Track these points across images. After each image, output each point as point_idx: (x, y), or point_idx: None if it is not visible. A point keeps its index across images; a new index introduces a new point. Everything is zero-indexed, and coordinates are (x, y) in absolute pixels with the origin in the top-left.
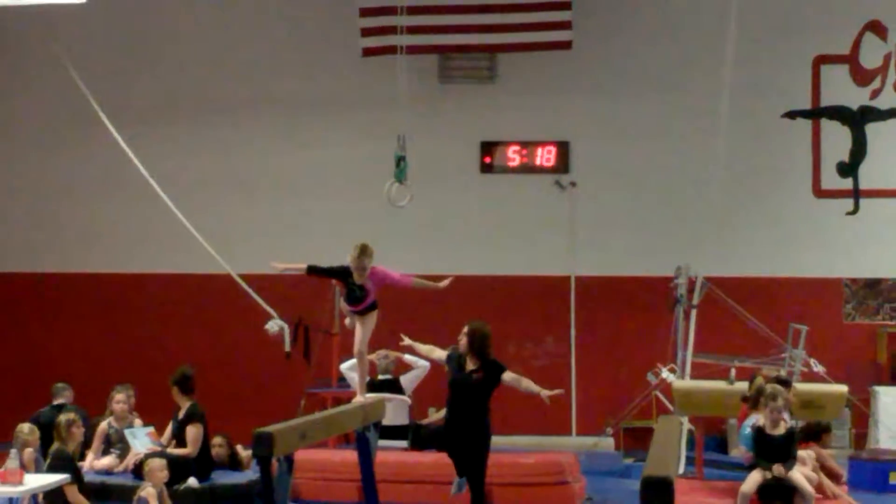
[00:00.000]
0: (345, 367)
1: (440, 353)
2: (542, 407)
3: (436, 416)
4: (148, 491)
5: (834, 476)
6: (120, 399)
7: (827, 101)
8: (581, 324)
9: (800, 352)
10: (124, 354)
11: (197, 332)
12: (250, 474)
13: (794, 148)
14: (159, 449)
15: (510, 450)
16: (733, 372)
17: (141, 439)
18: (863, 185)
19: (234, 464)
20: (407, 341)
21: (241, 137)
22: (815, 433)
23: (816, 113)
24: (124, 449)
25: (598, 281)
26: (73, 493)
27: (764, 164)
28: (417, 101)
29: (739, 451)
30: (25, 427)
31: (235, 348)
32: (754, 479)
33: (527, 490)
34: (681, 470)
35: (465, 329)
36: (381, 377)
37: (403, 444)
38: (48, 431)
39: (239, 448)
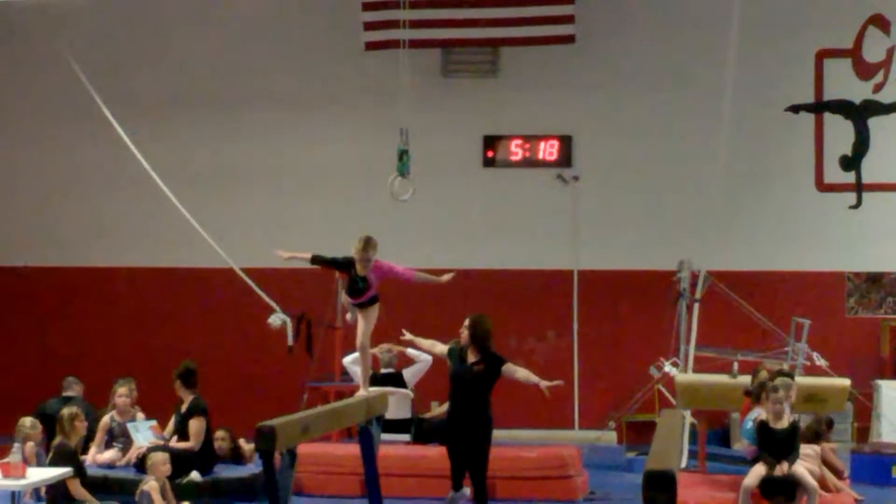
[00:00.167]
0: (347, 360)
1: (441, 348)
2: (545, 401)
3: (438, 410)
4: (150, 484)
5: (835, 471)
6: (122, 393)
7: (830, 95)
8: (583, 318)
9: (802, 345)
10: (127, 348)
11: (200, 326)
12: (253, 468)
13: (796, 142)
14: (162, 443)
15: (513, 443)
16: (736, 366)
17: (143, 433)
18: (865, 179)
19: (237, 457)
20: (408, 336)
21: (244, 132)
22: (819, 433)
23: (819, 107)
24: (127, 443)
25: (601, 275)
26: (75, 486)
27: (767, 158)
28: (420, 95)
29: (742, 444)
30: (27, 421)
31: (238, 342)
32: (757, 472)
33: (529, 484)
34: (683, 464)
35: (467, 322)
36: (383, 371)
37: (406, 437)
38: (54, 422)
39: (241, 442)
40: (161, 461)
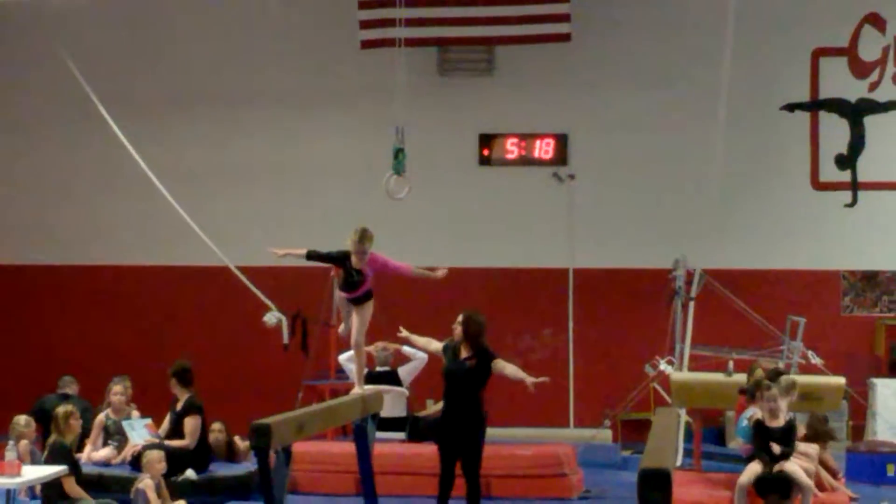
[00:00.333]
0: (343, 358)
1: (437, 345)
2: (541, 399)
3: (433, 408)
4: (146, 482)
5: (830, 471)
6: (118, 391)
7: (825, 93)
8: (579, 316)
9: (798, 344)
10: (122, 346)
11: (195, 324)
12: (248, 466)
13: (792, 140)
14: (157, 441)
15: (508, 441)
16: (731, 364)
17: (139, 431)
18: (861, 178)
19: (231, 452)
20: (404, 333)
21: (240, 130)
22: (819, 433)
23: (815, 105)
24: (122, 441)
25: (597, 273)
26: (70, 484)
27: (762, 157)
28: (416, 93)
29: (737, 443)
30: (22, 419)
31: (233, 340)
32: (752, 470)
33: (525, 482)
34: (678, 462)
35: (460, 318)
36: (379, 369)
37: (401, 435)
38: (51, 419)
39: (237, 439)
40: (156, 459)
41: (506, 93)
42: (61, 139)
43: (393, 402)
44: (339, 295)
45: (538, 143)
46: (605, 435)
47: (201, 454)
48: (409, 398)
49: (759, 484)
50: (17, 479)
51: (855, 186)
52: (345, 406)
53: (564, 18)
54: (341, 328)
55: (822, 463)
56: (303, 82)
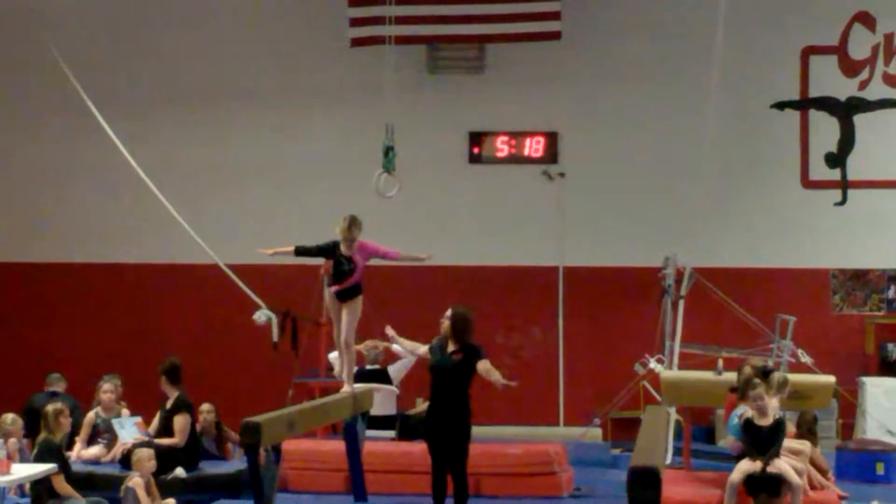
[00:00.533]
0: (333, 356)
1: (423, 349)
2: (531, 397)
3: (423, 406)
4: (135, 480)
5: (820, 470)
6: (107, 389)
7: (815, 91)
8: (569, 314)
9: (787, 342)
10: (112, 344)
11: (185, 322)
12: (238, 464)
13: (782, 139)
14: (147, 439)
15: (498, 440)
16: (721, 362)
17: (128, 429)
18: (851, 176)
19: (220, 435)
20: (391, 333)
21: (230, 128)
22: (813, 431)
23: (805, 104)
24: (112, 439)
25: (586, 271)
26: (60, 482)
27: (752, 155)
28: (406, 91)
29: (727, 441)
30: (8, 417)
31: (223, 338)
32: (742, 468)
33: (515, 480)
34: (668, 460)
35: (448, 313)
36: (369, 367)
37: (391, 434)
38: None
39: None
40: (146, 457)
41: (496, 91)
42: (53, 138)
43: (383, 401)
44: (329, 296)
45: (528, 141)
46: (595, 433)
47: (191, 452)
48: (399, 397)
49: (750, 482)
50: (7, 478)
51: (845, 185)
52: (335, 404)
53: (555, 17)
54: (335, 333)
55: (813, 461)
56: (293, 80)
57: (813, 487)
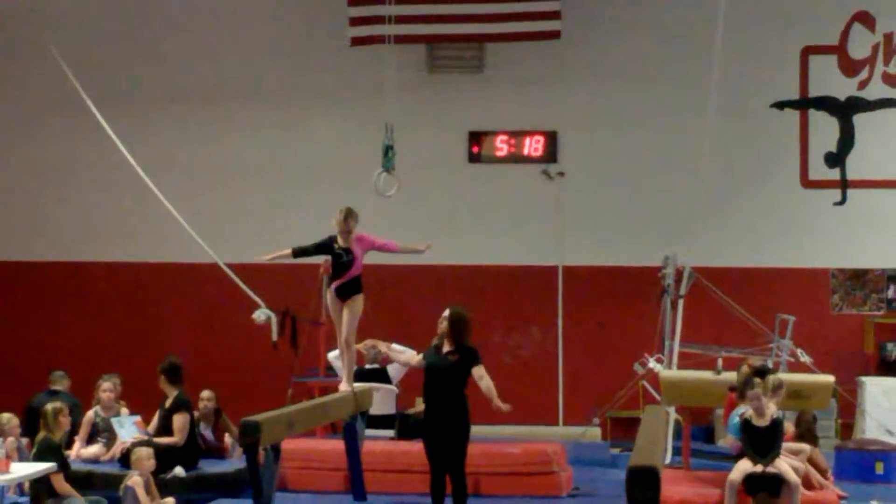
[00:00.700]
0: (332, 356)
1: (418, 358)
2: (530, 396)
3: (423, 406)
4: (134, 479)
5: (820, 470)
6: (107, 388)
7: (815, 91)
8: (568, 313)
9: (787, 342)
10: (111, 343)
11: (184, 321)
12: (237, 463)
13: (781, 138)
14: (146, 438)
15: (497, 439)
16: (720, 362)
17: (128, 428)
18: (850, 176)
19: (218, 424)
20: (383, 348)
21: (230, 127)
22: (813, 434)
23: (804, 103)
24: (111, 438)
25: (586, 270)
26: (59, 481)
27: (752, 155)
28: (405, 90)
29: (727, 440)
30: (4, 416)
31: (223, 338)
32: (741, 468)
33: (514, 479)
34: (667, 460)
35: (446, 313)
36: (368, 367)
37: (390, 433)
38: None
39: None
40: (145, 456)
41: (495, 90)
42: (53, 136)
43: (382, 400)
44: (330, 297)
45: (528, 140)
46: (594, 432)
47: (190, 451)
48: (399, 396)
49: (749, 482)
50: (6, 476)
51: (844, 184)
52: (334, 403)
53: (554, 16)
54: (338, 333)
55: (812, 461)
56: (293, 79)
57: (812, 487)
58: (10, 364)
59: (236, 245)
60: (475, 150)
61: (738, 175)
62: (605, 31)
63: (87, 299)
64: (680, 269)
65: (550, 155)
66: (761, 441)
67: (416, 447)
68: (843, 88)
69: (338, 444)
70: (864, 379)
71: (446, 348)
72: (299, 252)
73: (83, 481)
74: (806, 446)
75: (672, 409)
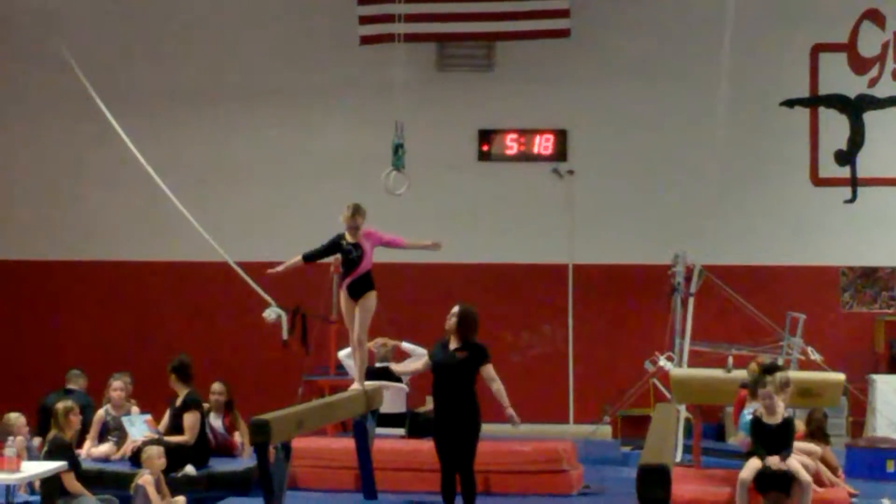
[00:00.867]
0: (343, 354)
1: (425, 360)
2: (540, 394)
3: (432, 404)
4: (145, 478)
5: (831, 468)
6: (117, 387)
7: (825, 89)
8: (579, 311)
9: (797, 340)
10: (122, 342)
11: (195, 319)
12: (248, 462)
13: (792, 136)
14: (156, 436)
15: (507, 437)
16: (731, 360)
17: (138, 427)
18: (860, 174)
19: (228, 415)
20: (396, 368)
21: (239, 126)
22: (825, 432)
23: (814, 101)
24: (121, 436)
25: (596, 269)
26: (70, 480)
27: (762, 152)
28: (415, 89)
29: (738, 437)
30: (13, 415)
31: (233, 336)
32: (752, 466)
33: (524, 477)
34: (678, 458)
35: (455, 310)
36: (378, 365)
37: (401, 431)
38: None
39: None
40: (156, 455)
41: (505, 88)
42: (62, 136)
43: (392, 399)
44: (343, 297)
45: (538, 138)
46: (604, 431)
47: (201, 450)
48: (409, 394)
49: (760, 480)
50: (17, 475)
51: (854, 182)
52: (344, 402)
53: (564, 14)
54: (350, 332)
55: (823, 459)
56: (302, 78)
57: (823, 485)
58: (23, 363)
59: (246, 244)
60: (485, 148)
61: (748, 173)
62: (614, 30)
63: (97, 298)
64: (690, 267)
65: (560, 153)
66: (773, 439)
67: (426, 445)
68: (853, 86)
69: (348, 443)
70: (875, 377)
71: (454, 345)
72: (309, 257)
73: (94, 480)
74: (817, 448)
75: (683, 408)
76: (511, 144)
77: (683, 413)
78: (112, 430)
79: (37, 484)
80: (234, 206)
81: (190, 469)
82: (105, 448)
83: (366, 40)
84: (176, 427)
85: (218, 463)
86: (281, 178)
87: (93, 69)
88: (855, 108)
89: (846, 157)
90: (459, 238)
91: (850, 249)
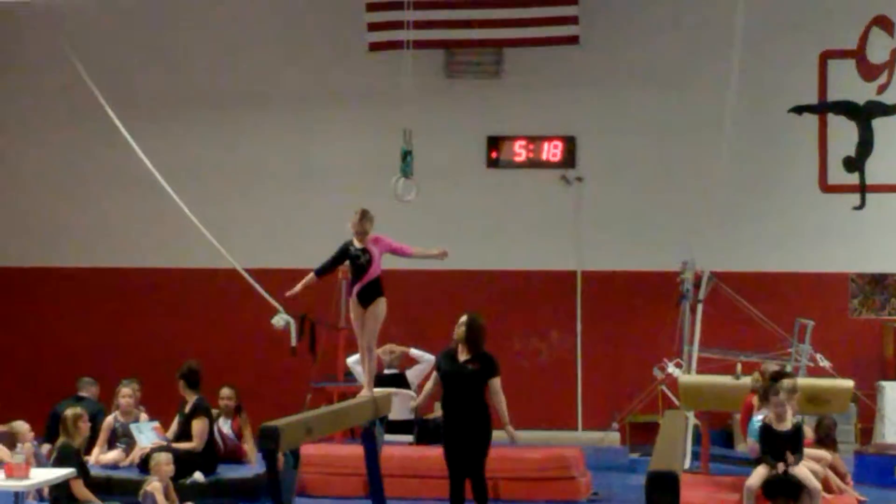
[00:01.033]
0: (351, 361)
1: (435, 376)
2: (549, 401)
3: (441, 411)
4: (154, 485)
5: (839, 474)
6: (126, 393)
7: (833, 96)
8: (587, 318)
9: (806, 347)
10: (130, 349)
11: (203, 326)
12: (256, 468)
13: (800, 143)
14: (165, 443)
15: (516, 444)
16: (739, 367)
17: (146, 433)
18: (869, 181)
19: (236, 420)
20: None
21: (247, 132)
22: (834, 439)
23: (823, 108)
24: (130, 443)
25: (604, 276)
26: (78, 487)
27: (770, 159)
28: (424, 96)
29: (747, 444)
30: (17, 424)
31: (241, 343)
32: (760, 473)
33: (533, 484)
34: (686, 465)
35: (463, 319)
36: (386, 371)
37: (409, 438)
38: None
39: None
40: (164, 462)
41: (514, 95)
42: (69, 141)
43: (401, 405)
44: (353, 304)
45: (546, 145)
46: (613, 437)
47: (209, 456)
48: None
49: (768, 486)
50: (25, 482)
51: (863, 189)
52: (353, 409)
53: (572, 21)
54: (359, 340)
55: (832, 466)
56: (311, 85)
57: (831, 491)
58: (34, 370)
59: (254, 250)
60: (493, 155)
61: (757, 179)
62: (623, 37)
63: (105, 305)
64: (699, 273)
65: (569, 160)
66: (783, 446)
67: (434, 452)
68: (861, 93)
69: (357, 450)
70: (884, 384)
71: (464, 356)
72: (321, 271)
73: (102, 487)
74: (827, 454)
75: (691, 414)
76: (519, 151)
77: (692, 420)
78: (120, 437)
79: (46, 491)
80: (243, 212)
81: (198, 476)
82: (114, 455)
83: (374, 47)
84: (185, 434)
85: (226, 470)
86: (289, 185)
87: (101, 74)
88: (864, 115)
89: (855, 163)
90: (468, 245)
91: (859, 256)
